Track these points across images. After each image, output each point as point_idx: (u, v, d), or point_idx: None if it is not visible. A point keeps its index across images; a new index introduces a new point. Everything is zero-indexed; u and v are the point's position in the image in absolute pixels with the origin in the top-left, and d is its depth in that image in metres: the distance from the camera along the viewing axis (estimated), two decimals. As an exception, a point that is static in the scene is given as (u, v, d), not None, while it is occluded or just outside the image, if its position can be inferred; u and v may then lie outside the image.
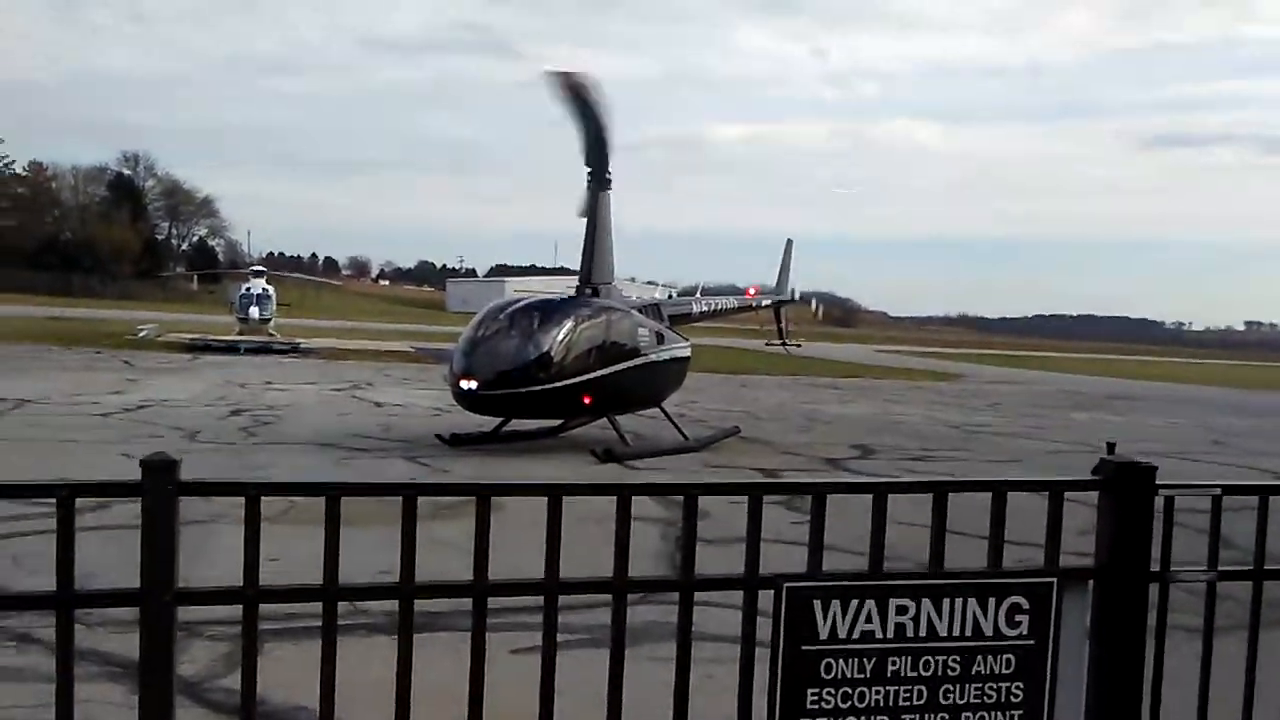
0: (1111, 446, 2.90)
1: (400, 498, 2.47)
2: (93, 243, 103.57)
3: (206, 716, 5.15)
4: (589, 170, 16.09)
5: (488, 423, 15.86)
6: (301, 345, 39.26)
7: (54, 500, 2.21)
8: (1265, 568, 2.99)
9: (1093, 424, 25.37)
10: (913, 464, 16.06)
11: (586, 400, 14.98)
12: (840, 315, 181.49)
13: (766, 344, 24.95)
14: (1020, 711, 2.80)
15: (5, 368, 25.61)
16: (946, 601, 2.73)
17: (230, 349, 37.38)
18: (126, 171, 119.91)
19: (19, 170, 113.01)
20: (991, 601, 2.75)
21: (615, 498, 2.59)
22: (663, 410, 16.82)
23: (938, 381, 43.77)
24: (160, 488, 2.25)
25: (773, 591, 2.62)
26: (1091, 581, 2.84)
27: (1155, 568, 2.93)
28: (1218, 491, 2.95)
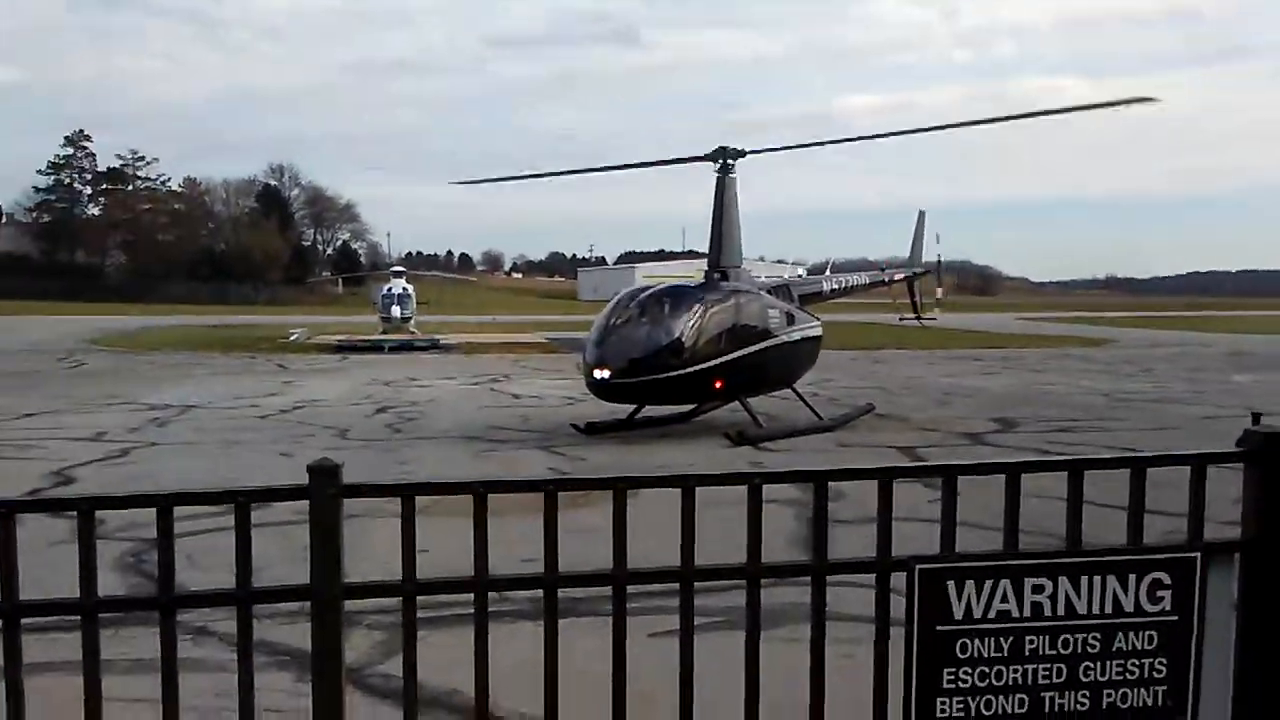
0: (1257, 416, 2.82)
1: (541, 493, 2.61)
2: (245, 252, 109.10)
3: (366, 702, 5.45)
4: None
5: (621, 410, 16.11)
6: (441, 341, 40.53)
7: (232, 505, 2.43)
8: None
9: (1257, 387, 24.05)
10: (1058, 435, 15.59)
11: (718, 385, 15.05)
12: (979, 284, 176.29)
13: (900, 318, 24.48)
14: (1165, 687, 2.77)
15: (171, 375, 27.33)
16: (1084, 579, 2.72)
17: (375, 348, 38.89)
18: (273, 182, 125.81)
19: (175, 187, 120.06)
20: (1132, 578, 2.73)
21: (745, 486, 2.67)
22: (795, 391, 16.77)
23: (1086, 348, 42.14)
24: (324, 491, 2.44)
25: (905, 573, 2.66)
26: (1238, 555, 2.78)
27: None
28: (1373, 459, 2.84)
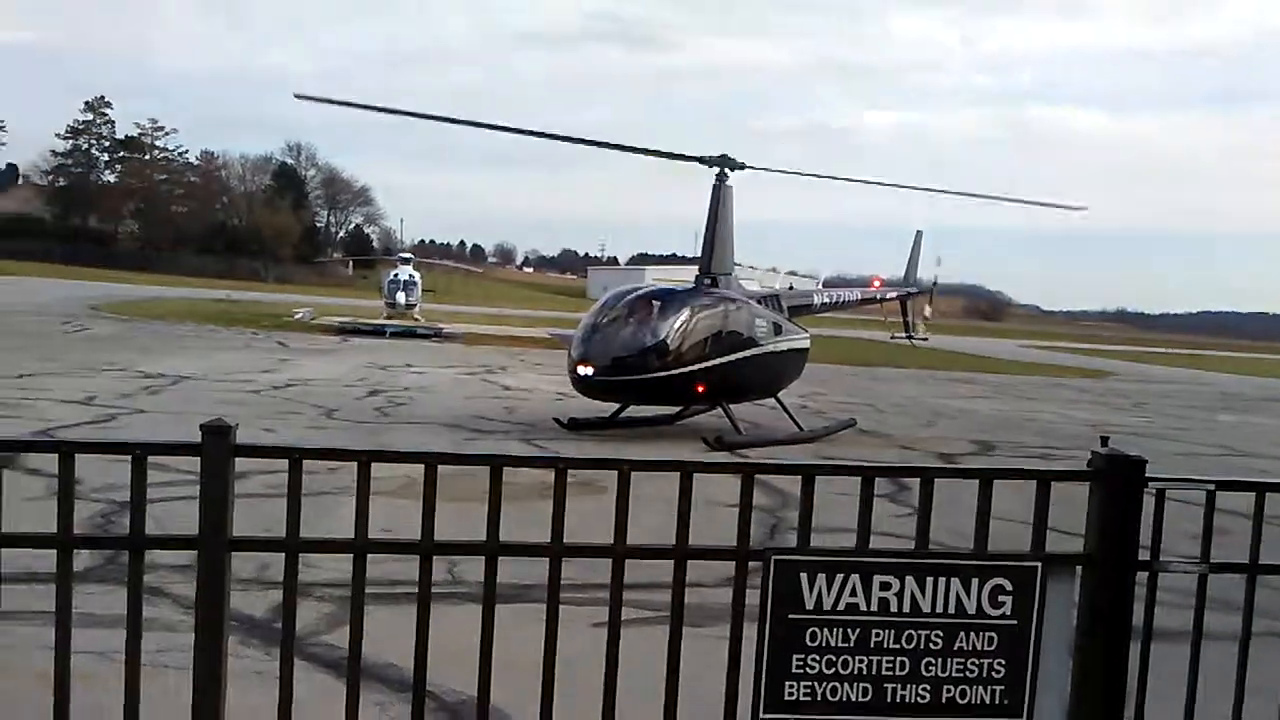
0: (1105, 439, 3.00)
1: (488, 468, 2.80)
2: (257, 229, 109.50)
3: (305, 668, 5.63)
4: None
5: (607, 409, 16.30)
6: (444, 330, 40.74)
7: (129, 458, 2.63)
8: (1260, 563, 3.03)
9: (1239, 427, 24.17)
10: (1030, 461, 15.73)
11: (700, 389, 15.23)
12: (986, 309, 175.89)
13: (891, 336, 24.65)
14: (1002, 687, 2.94)
15: (171, 346, 27.59)
16: (930, 580, 2.90)
17: (377, 333, 39.13)
18: (290, 161, 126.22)
19: (192, 160, 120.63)
20: (975, 582, 2.90)
21: (678, 473, 2.87)
22: (778, 401, 16.93)
23: (1084, 379, 42.20)
24: (216, 449, 2.64)
25: (762, 563, 2.84)
26: (1079, 567, 2.95)
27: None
28: (1211, 487, 3.01)
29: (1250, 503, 3.09)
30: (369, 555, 2.77)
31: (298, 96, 15.78)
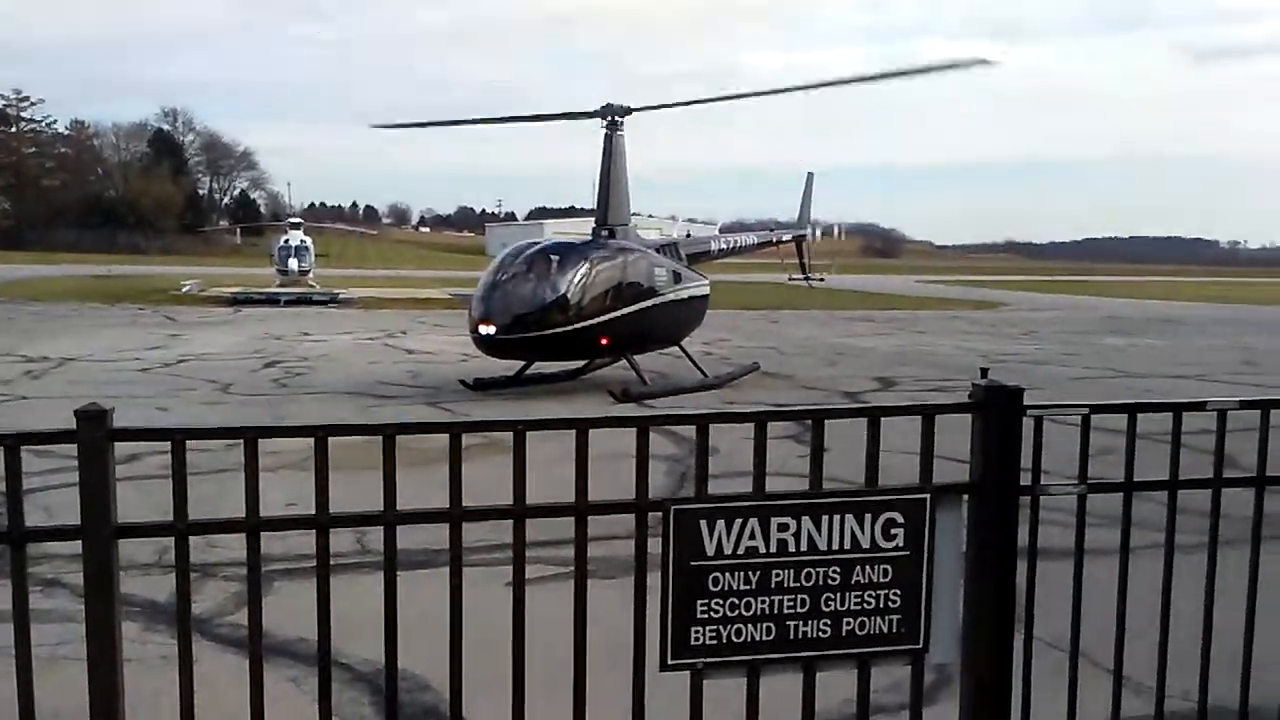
0: (985, 371, 3.10)
1: (380, 437, 2.76)
2: (136, 199, 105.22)
3: (212, 648, 5.55)
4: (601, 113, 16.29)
5: (512, 367, 16.23)
6: (340, 296, 39.93)
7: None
8: (1135, 480, 3.18)
9: (1127, 349, 25.23)
10: (931, 394, 16.19)
11: (604, 341, 15.26)
12: (883, 247, 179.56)
13: (789, 278, 25.00)
14: (899, 616, 3.04)
15: (51, 326, 26.46)
16: (825, 518, 2.97)
17: (271, 301, 38.16)
18: (166, 127, 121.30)
19: (61, 130, 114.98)
20: (868, 517, 2.99)
21: (574, 431, 2.87)
22: (682, 349, 17.08)
23: (977, 311, 43.53)
24: (93, 435, 2.55)
25: (661, 513, 2.87)
26: (965, 496, 3.06)
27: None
28: (1085, 411, 3.14)
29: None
30: (263, 533, 2.72)
31: (374, 126, 14.89)
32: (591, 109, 16.43)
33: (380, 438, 2.78)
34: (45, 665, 4.43)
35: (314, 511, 2.74)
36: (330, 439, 2.75)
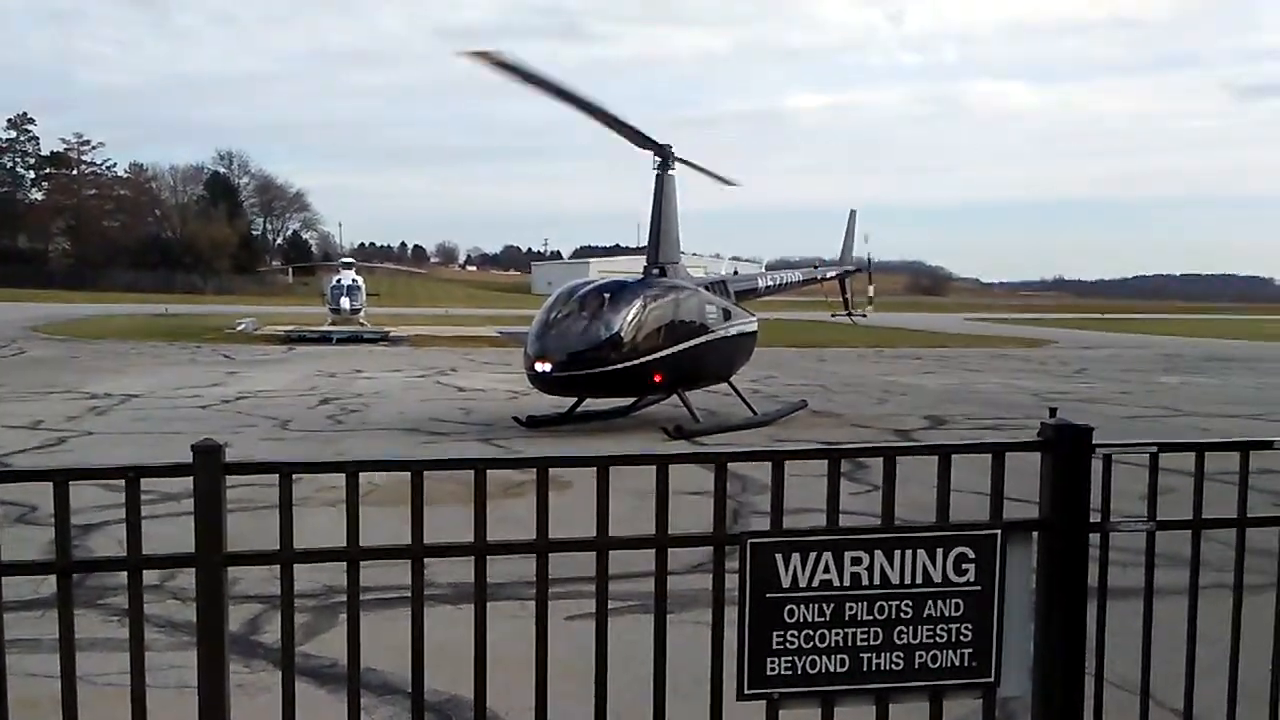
0: (1054, 411, 3.18)
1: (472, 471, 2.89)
2: (192, 240, 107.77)
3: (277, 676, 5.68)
4: (653, 152, 16.52)
5: (563, 404, 16.40)
6: (390, 334, 40.53)
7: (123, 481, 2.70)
8: (1203, 518, 3.23)
9: (1181, 388, 24.88)
10: (981, 433, 16.10)
11: (657, 378, 15.39)
12: (928, 284, 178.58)
13: (832, 315, 25.05)
14: (970, 649, 3.11)
15: (113, 364, 27.15)
16: (898, 553, 3.06)
17: (323, 339, 38.83)
18: (222, 170, 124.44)
19: (121, 173, 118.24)
20: (940, 552, 3.07)
21: (596, 469, 2.99)
22: (731, 385, 17.17)
23: (1026, 349, 43.11)
24: (208, 468, 2.71)
25: (739, 547, 2.98)
26: (1035, 533, 3.13)
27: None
28: (1154, 450, 3.20)
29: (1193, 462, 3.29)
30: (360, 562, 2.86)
31: (463, 53, 13.04)
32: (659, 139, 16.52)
33: (471, 472, 2.92)
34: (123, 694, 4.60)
35: (409, 542, 2.88)
36: (424, 472, 2.89)
